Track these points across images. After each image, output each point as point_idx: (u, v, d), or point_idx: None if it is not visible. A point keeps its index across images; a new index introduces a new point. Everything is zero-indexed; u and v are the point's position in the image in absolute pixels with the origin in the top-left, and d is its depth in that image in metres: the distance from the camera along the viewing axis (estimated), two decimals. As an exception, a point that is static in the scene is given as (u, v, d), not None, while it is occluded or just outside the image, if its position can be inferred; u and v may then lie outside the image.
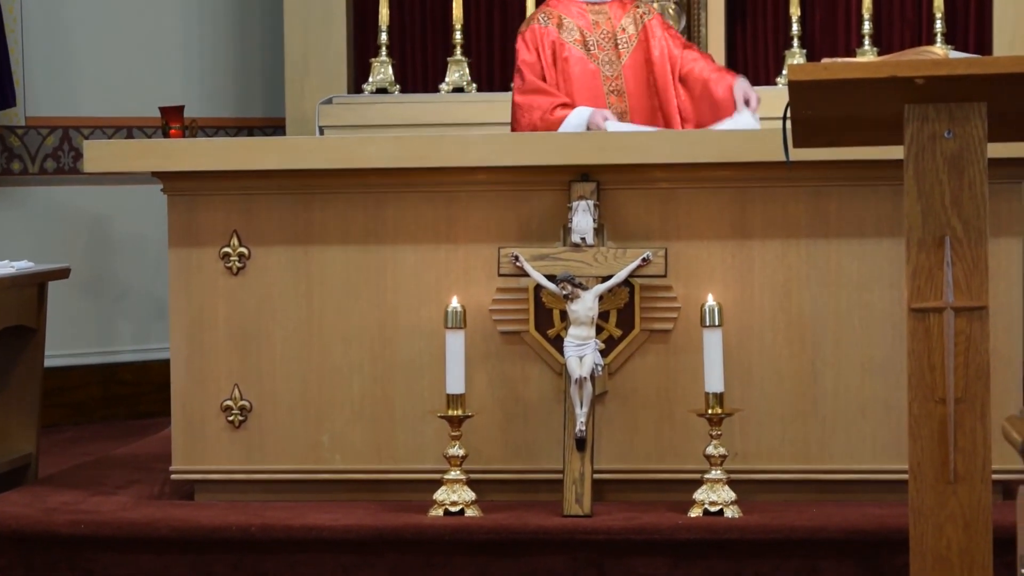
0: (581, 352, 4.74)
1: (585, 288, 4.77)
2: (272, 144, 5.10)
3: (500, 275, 4.88)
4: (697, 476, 4.72)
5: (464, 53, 7.85)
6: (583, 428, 4.73)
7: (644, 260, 4.80)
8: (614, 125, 5.39)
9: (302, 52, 7.93)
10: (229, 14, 8.46)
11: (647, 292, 4.89)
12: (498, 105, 7.45)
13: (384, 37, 7.84)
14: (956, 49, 7.44)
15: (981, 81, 3.08)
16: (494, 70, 8.19)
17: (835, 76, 3.11)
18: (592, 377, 4.74)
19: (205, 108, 8.27)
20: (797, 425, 4.89)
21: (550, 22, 5.68)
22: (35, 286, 6.11)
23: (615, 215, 4.91)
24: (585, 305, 4.76)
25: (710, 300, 4.74)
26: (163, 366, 5.53)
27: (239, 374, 5.02)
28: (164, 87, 8.12)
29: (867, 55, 7.54)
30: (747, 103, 5.45)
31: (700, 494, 4.68)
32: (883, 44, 7.79)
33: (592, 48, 5.65)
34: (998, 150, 3.42)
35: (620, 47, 5.66)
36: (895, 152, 3.27)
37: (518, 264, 4.83)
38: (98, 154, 5.04)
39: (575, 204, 4.84)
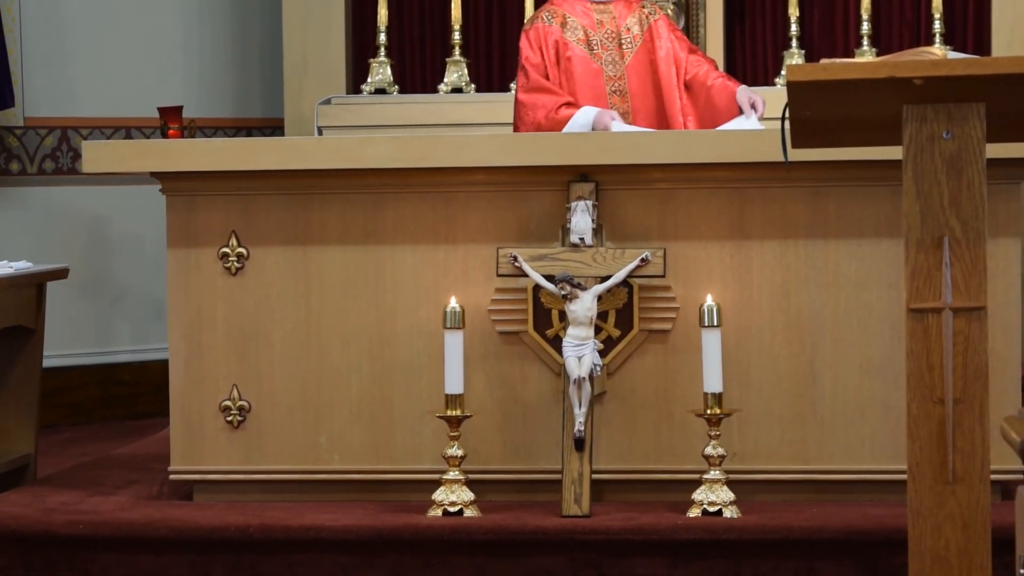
0: (580, 352, 4.74)
1: (584, 288, 4.77)
2: (271, 144, 5.10)
3: (499, 275, 4.88)
4: (696, 476, 4.72)
5: (463, 54, 7.85)
6: (582, 428, 4.73)
7: (643, 260, 4.80)
8: (619, 126, 5.39)
9: (301, 52, 7.93)
10: (228, 14, 8.46)
11: (646, 292, 4.90)
12: (497, 106, 7.45)
13: (383, 38, 7.84)
14: (955, 50, 7.45)
15: (980, 82, 3.08)
16: (492, 71, 8.19)
17: (834, 77, 3.11)
18: (591, 377, 4.74)
19: (204, 108, 8.27)
20: (796, 425, 4.90)
21: (554, 21, 5.68)
22: (33, 286, 6.11)
23: (614, 215, 4.91)
24: (584, 305, 4.76)
25: (709, 300, 4.74)
26: (162, 366, 5.52)
27: (238, 374, 5.02)
28: (163, 87, 8.12)
29: (866, 56, 7.54)
30: (753, 108, 5.44)
31: (699, 494, 4.68)
32: (882, 45, 7.79)
33: (596, 48, 5.65)
34: (997, 151, 3.42)
35: (624, 47, 5.66)
36: (894, 153, 3.27)
37: (517, 264, 4.83)
38: (97, 154, 5.04)
39: (574, 204, 4.84)
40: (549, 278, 4.79)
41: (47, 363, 6.43)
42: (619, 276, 4.80)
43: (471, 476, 4.78)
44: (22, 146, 7.93)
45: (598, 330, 4.83)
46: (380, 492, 4.98)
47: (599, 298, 4.79)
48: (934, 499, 3.16)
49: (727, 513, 4.64)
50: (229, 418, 5.03)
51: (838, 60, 3.24)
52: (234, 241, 5.02)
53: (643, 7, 5.76)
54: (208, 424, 5.03)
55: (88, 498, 5.06)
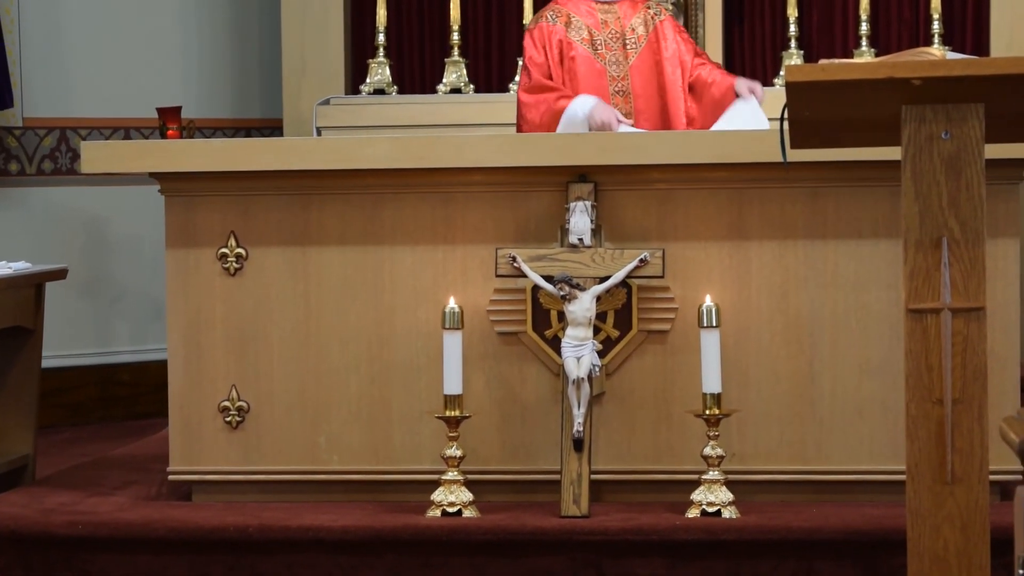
0: (579, 353, 4.74)
1: (583, 289, 4.77)
2: (269, 145, 5.10)
3: (498, 276, 4.88)
4: (695, 477, 4.72)
5: (461, 54, 7.85)
6: (580, 429, 4.73)
7: (642, 261, 4.80)
8: (625, 128, 5.37)
9: (300, 53, 7.93)
10: (227, 15, 8.46)
11: (644, 293, 4.90)
12: (496, 106, 7.45)
13: (382, 38, 7.84)
14: (953, 50, 7.44)
15: (978, 82, 3.08)
16: (491, 71, 8.19)
17: (832, 77, 3.12)
18: (590, 378, 4.74)
19: (203, 109, 8.27)
20: (794, 426, 4.90)
21: (558, 20, 5.68)
22: (32, 287, 6.11)
23: (613, 216, 4.91)
24: (583, 306, 4.76)
25: (707, 301, 4.74)
26: (160, 367, 5.52)
27: (236, 375, 5.02)
28: (161, 88, 8.11)
29: (864, 56, 7.54)
30: (753, 93, 5.44)
31: (698, 495, 4.68)
32: (880, 45, 7.79)
33: (600, 47, 5.65)
34: (995, 151, 3.42)
35: (628, 47, 5.65)
36: (893, 153, 3.27)
37: (516, 265, 4.83)
38: (95, 155, 5.04)
39: (573, 205, 4.84)
40: (548, 279, 4.79)
41: (46, 363, 6.43)
42: (618, 277, 4.80)
43: (470, 476, 4.78)
44: (21, 146, 7.93)
45: (597, 331, 4.83)
46: (379, 492, 4.98)
47: (598, 299, 4.79)
48: (933, 500, 3.16)
49: (726, 514, 4.64)
50: (228, 418, 5.03)
51: (837, 61, 3.24)
52: (233, 241, 5.02)
53: (648, 8, 5.76)
54: (207, 424, 5.03)
55: (87, 498, 5.06)
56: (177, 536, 4.69)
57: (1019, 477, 4.63)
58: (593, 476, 4.78)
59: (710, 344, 4.70)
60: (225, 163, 4.98)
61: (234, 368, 5.02)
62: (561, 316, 4.84)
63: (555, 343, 4.86)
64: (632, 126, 5.53)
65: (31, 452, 6.11)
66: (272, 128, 8.29)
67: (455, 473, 4.75)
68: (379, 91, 7.82)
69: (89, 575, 4.71)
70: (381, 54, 7.84)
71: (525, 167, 4.89)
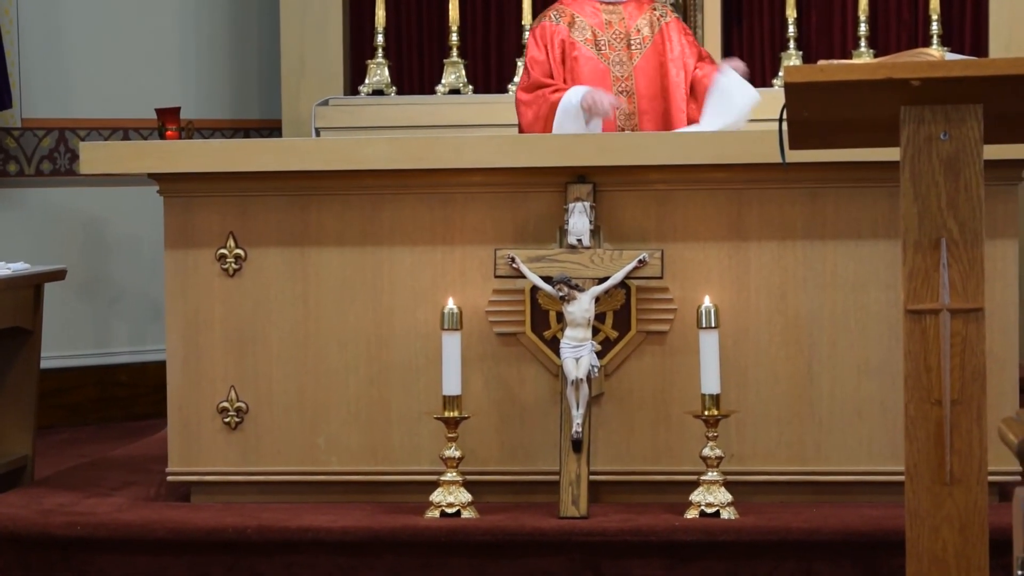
0: (577, 354, 4.74)
1: (581, 290, 4.77)
2: (268, 146, 5.10)
3: (496, 277, 4.88)
4: (693, 478, 4.72)
5: (460, 55, 7.85)
6: (579, 430, 4.73)
7: (640, 262, 4.80)
8: (609, 100, 5.37)
9: (298, 54, 7.93)
10: (225, 16, 8.46)
11: (643, 294, 4.90)
12: (494, 107, 7.46)
13: (380, 39, 7.84)
14: (952, 51, 7.45)
15: (977, 83, 3.08)
16: (490, 72, 8.19)
17: (831, 78, 3.12)
18: (588, 379, 4.74)
19: (201, 110, 8.27)
20: (793, 427, 4.90)
21: (562, 20, 5.68)
22: (31, 287, 6.11)
23: (611, 217, 4.91)
24: (581, 307, 4.76)
25: (706, 302, 4.74)
26: (159, 368, 5.52)
27: (235, 376, 5.02)
28: (160, 89, 8.11)
29: (863, 57, 7.54)
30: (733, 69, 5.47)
31: (696, 496, 4.68)
32: (879, 46, 7.79)
33: (603, 48, 5.65)
34: (994, 152, 3.41)
35: (633, 48, 5.65)
36: (891, 154, 3.27)
37: (514, 266, 4.83)
38: (94, 156, 5.04)
39: (571, 206, 4.84)
40: (547, 279, 4.79)
41: (45, 364, 6.43)
42: (617, 277, 4.80)
43: (469, 477, 4.78)
44: (20, 147, 7.93)
45: (596, 331, 4.83)
46: (378, 493, 4.98)
47: (597, 299, 4.79)
48: (932, 500, 3.16)
49: (725, 514, 4.64)
50: (227, 419, 5.03)
51: (836, 61, 3.24)
52: (232, 242, 5.02)
53: (654, 9, 5.76)
54: (206, 425, 5.03)
55: (85, 499, 5.06)
56: (176, 537, 4.69)
57: (1018, 478, 4.63)
58: (592, 477, 4.78)
59: (709, 345, 4.70)
60: (224, 164, 4.98)
61: (233, 369, 5.02)
62: (560, 317, 4.84)
63: (554, 344, 4.86)
64: (621, 108, 5.52)
65: (30, 453, 6.11)
66: (271, 129, 8.29)
67: (454, 474, 4.75)
68: (378, 92, 7.82)
69: (88, 576, 4.71)
70: (380, 55, 7.84)
71: (524, 168, 4.89)
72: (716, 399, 4.68)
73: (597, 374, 4.79)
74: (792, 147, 3.44)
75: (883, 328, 4.85)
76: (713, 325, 4.70)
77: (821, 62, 3.20)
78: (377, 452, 4.99)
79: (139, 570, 4.70)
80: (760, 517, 4.64)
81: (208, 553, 4.68)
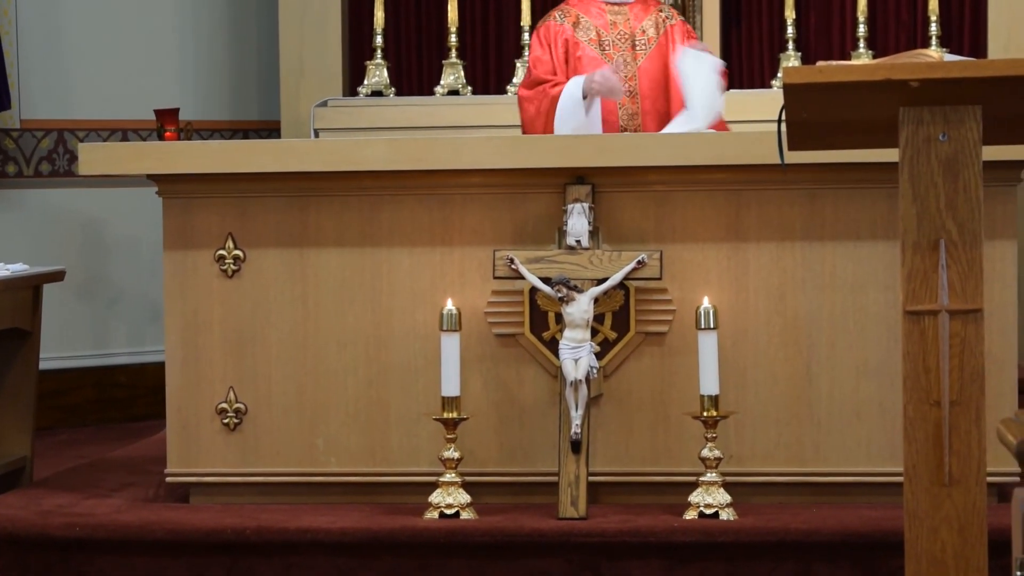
0: (576, 355, 4.74)
1: (580, 291, 4.77)
2: (267, 147, 5.11)
3: (495, 278, 4.88)
4: (692, 479, 4.72)
5: (459, 56, 7.85)
6: (578, 431, 4.73)
7: (639, 263, 4.80)
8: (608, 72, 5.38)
9: (297, 55, 7.93)
10: (224, 17, 8.46)
11: (642, 295, 4.90)
12: (493, 108, 7.45)
13: (379, 40, 7.84)
14: (951, 52, 7.44)
15: (976, 84, 3.08)
16: (489, 73, 8.19)
17: (830, 79, 3.12)
18: (587, 380, 4.74)
19: (200, 111, 8.27)
20: (792, 428, 4.89)
21: (566, 20, 5.69)
22: (30, 289, 6.10)
23: (610, 218, 4.91)
24: (580, 308, 4.76)
25: (705, 303, 4.74)
26: (158, 369, 5.52)
27: (234, 377, 5.02)
28: (159, 90, 8.11)
29: (862, 58, 7.54)
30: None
31: (695, 497, 4.68)
32: (878, 47, 7.79)
33: (607, 48, 5.65)
34: (993, 153, 3.41)
35: (638, 48, 5.66)
36: (890, 155, 3.27)
37: (513, 267, 4.83)
38: (93, 157, 5.03)
39: (570, 207, 4.84)
40: (546, 280, 4.79)
41: (43, 365, 6.42)
42: (615, 278, 4.80)
43: (467, 478, 4.78)
44: (18, 148, 7.93)
45: (594, 332, 4.83)
46: (376, 494, 4.98)
47: (595, 300, 4.79)
48: (930, 501, 3.16)
49: (723, 515, 4.64)
50: (225, 420, 5.02)
51: (834, 63, 3.24)
52: (230, 243, 5.02)
53: (660, 11, 5.76)
54: (204, 426, 5.03)
55: (84, 500, 5.06)
56: (175, 538, 4.69)
57: (1016, 479, 4.63)
58: (591, 478, 4.77)
59: (708, 346, 4.70)
60: (223, 165, 4.98)
61: (232, 370, 5.02)
62: (559, 318, 4.84)
63: (553, 345, 4.86)
64: (625, 91, 5.53)
65: (28, 454, 6.11)
66: (270, 130, 8.29)
67: (453, 475, 4.75)
68: (377, 93, 7.82)
69: (86, 577, 4.71)
70: (379, 56, 7.84)
71: (523, 169, 4.89)
72: (715, 400, 4.68)
73: (596, 375, 4.79)
74: (791, 148, 3.44)
75: (882, 329, 4.85)
76: (712, 326, 4.70)
77: (820, 63, 3.20)
78: (376, 453, 4.99)
79: (138, 571, 4.70)
80: (759, 518, 4.64)
81: (207, 554, 4.67)
